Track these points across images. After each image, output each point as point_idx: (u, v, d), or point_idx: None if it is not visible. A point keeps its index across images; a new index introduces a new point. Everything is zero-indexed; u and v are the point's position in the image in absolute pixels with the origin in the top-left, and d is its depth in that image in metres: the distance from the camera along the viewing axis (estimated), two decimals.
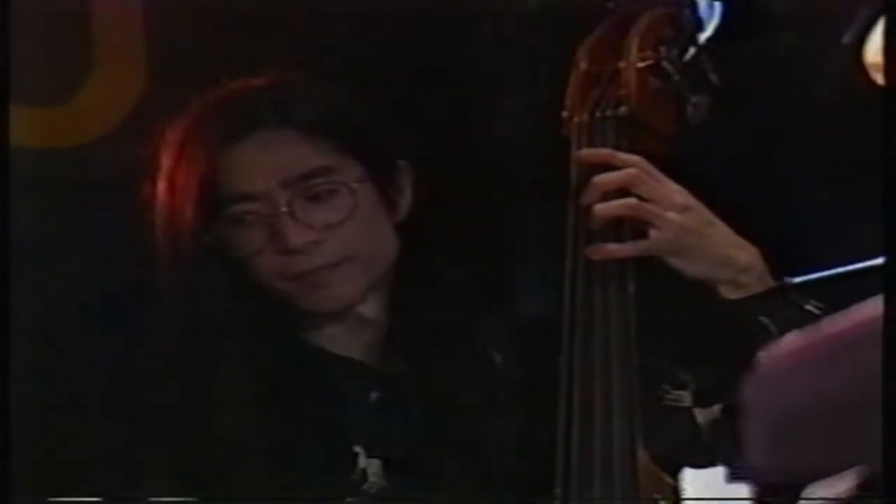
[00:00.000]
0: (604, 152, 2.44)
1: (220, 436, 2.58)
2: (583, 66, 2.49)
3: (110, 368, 2.84)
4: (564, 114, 2.49)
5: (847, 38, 2.71)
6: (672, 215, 2.39)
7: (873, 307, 1.72)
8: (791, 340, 1.84)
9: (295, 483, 2.58)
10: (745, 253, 2.41)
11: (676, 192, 2.39)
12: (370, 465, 2.60)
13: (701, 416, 2.45)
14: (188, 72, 2.95)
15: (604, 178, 2.39)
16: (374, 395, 2.60)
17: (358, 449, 2.59)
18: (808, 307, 2.38)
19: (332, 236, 2.51)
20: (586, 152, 2.44)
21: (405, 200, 2.58)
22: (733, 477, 2.34)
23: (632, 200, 2.39)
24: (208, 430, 2.58)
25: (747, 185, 2.79)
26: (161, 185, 2.52)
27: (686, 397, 2.48)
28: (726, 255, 2.43)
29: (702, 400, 2.47)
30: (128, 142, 2.87)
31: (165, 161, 2.52)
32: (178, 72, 3.00)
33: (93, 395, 2.85)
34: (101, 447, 2.72)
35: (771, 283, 2.43)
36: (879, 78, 2.66)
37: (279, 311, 2.56)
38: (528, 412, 2.61)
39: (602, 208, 2.38)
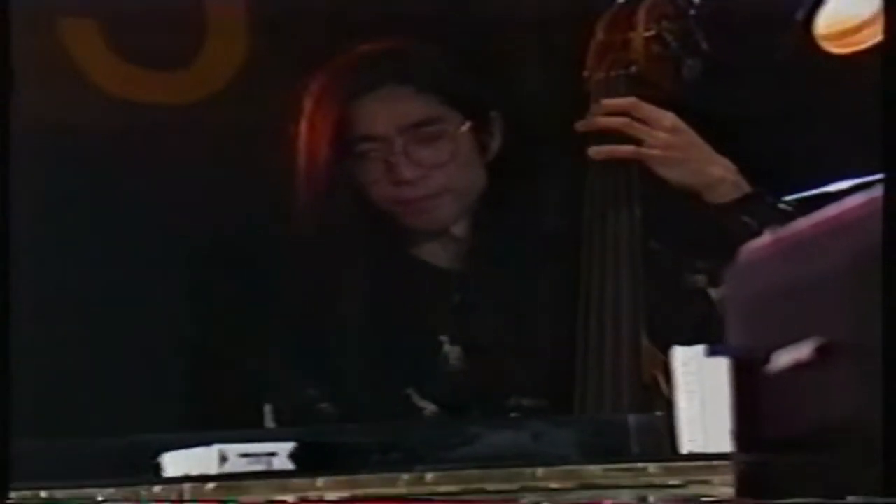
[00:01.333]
0: (609, 103, 2.63)
1: (343, 325, 2.77)
2: (600, 36, 2.63)
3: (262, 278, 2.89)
4: (585, 73, 2.64)
5: (799, 15, 2.72)
6: (660, 134, 2.55)
7: (835, 208, 1.61)
8: (766, 235, 1.80)
9: (394, 363, 2.75)
10: (719, 167, 2.54)
11: (666, 118, 2.55)
12: (451, 352, 2.76)
13: (714, 293, 2.55)
14: (285, 40, 2.96)
15: (609, 101, 2.58)
16: (456, 296, 2.77)
17: (443, 338, 2.74)
18: (782, 206, 2.49)
19: (436, 172, 2.67)
20: (607, 101, 2.60)
21: (495, 144, 2.73)
22: (711, 353, 2.23)
23: (626, 119, 2.56)
24: (333, 320, 2.77)
25: (739, 121, 2.83)
26: (303, 127, 2.69)
27: (702, 280, 2.59)
28: (701, 169, 2.56)
29: (714, 281, 2.54)
30: (239, 97, 2.92)
31: (307, 107, 2.69)
32: (277, 39, 2.98)
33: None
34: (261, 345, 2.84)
35: (747, 190, 2.53)
36: (831, 46, 2.76)
37: (389, 228, 2.73)
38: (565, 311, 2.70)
39: (604, 120, 2.55)
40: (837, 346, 1.58)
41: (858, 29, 2.65)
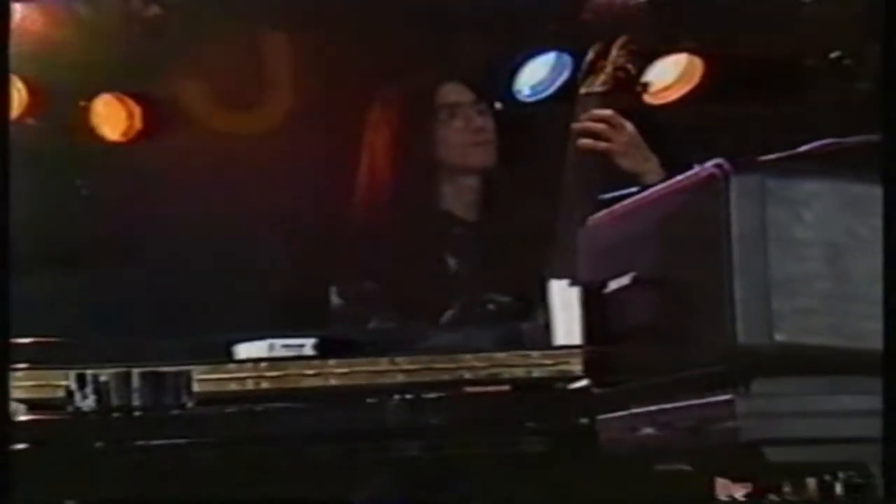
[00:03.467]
0: (597, 112, 2.64)
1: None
2: (589, 58, 2.65)
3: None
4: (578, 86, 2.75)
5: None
6: (622, 137, 2.58)
7: (647, 192, 1.66)
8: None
9: (409, 281, 2.66)
10: (652, 161, 2.55)
11: (626, 125, 2.59)
12: (459, 272, 2.71)
13: None
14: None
15: (596, 112, 2.56)
16: (458, 232, 2.78)
17: (451, 262, 2.72)
18: None
19: (488, 127, 2.75)
20: (595, 111, 2.61)
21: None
22: (571, 283, 2.11)
23: (605, 125, 2.55)
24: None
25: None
26: (382, 121, 2.72)
27: None
28: (642, 160, 2.56)
29: None
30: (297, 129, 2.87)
31: (381, 113, 2.73)
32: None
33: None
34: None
35: (662, 175, 2.44)
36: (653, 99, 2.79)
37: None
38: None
39: (591, 125, 2.55)
40: (645, 279, 1.57)
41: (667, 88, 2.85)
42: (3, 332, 1.14)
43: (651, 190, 1.67)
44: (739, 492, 1.62)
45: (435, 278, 2.69)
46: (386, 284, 2.65)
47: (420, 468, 2.01)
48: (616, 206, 1.73)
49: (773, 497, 1.54)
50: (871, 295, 1.42)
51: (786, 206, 1.41)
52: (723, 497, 1.64)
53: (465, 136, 2.78)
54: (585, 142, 2.55)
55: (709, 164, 1.44)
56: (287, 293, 2.61)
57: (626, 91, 2.61)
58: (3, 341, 1.14)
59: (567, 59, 2.78)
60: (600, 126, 2.55)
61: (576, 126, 2.58)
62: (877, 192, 1.44)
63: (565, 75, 2.79)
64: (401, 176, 2.72)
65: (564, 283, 2.19)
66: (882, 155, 1.40)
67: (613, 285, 1.62)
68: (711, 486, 1.67)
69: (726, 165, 1.42)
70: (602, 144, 2.55)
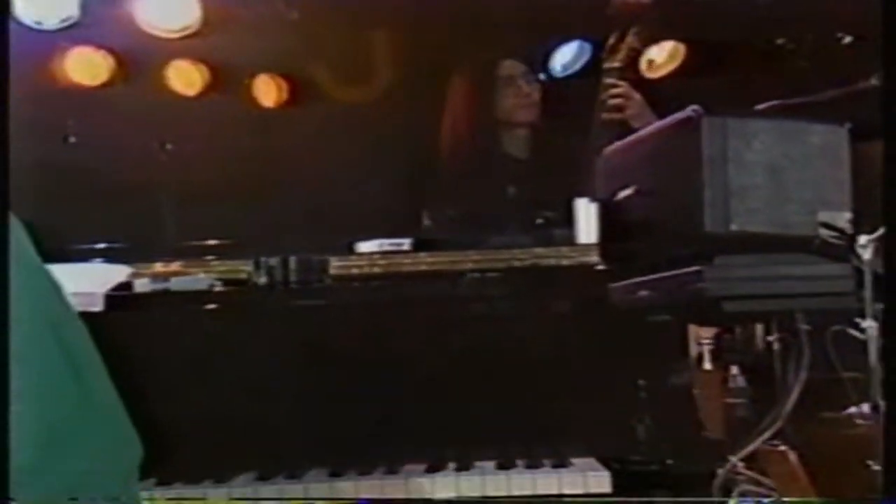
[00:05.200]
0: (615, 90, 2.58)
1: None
2: (610, 42, 2.56)
3: None
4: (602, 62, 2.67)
5: None
6: (635, 105, 2.54)
7: (646, 130, 1.65)
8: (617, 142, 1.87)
9: (479, 202, 2.64)
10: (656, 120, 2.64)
11: (635, 94, 2.55)
12: (515, 196, 2.73)
13: None
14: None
15: (616, 89, 2.50)
16: (514, 168, 2.76)
17: (510, 189, 2.71)
18: None
19: (534, 94, 2.70)
20: (615, 88, 2.55)
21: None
22: (591, 199, 2.12)
23: (622, 99, 2.50)
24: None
25: None
26: (462, 88, 2.71)
27: None
28: (650, 118, 2.43)
29: None
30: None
31: (463, 83, 2.71)
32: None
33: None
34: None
35: None
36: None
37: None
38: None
39: (613, 99, 2.49)
40: (642, 190, 1.64)
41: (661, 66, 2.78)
42: (3, 331, 0.88)
43: (648, 128, 1.70)
44: (705, 334, 1.68)
45: (497, 201, 2.71)
46: (463, 205, 2.65)
47: (482, 324, 2.05)
48: (623, 140, 1.76)
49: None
50: (799, 198, 1.47)
51: (740, 138, 1.46)
52: (694, 342, 1.73)
53: (516, 99, 2.79)
54: (610, 115, 2.48)
55: (687, 109, 1.48)
56: (390, 210, 2.62)
57: (636, 66, 2.60)
58: (3, 341, 0.88)
59: (587, 46, 2.73)
60: (618, 100, 2.52)
61: (602, 96, 2.52)
62: (803, 127, 1.50)
63: (585, 58, 2.74)
64: (472, 128, 2.73)
65: (586, 199, 2.20)
66: (883, 155, 1.37)
67: (620, 195, 1.67)
68: (685, 331, 1.75)
69: (700, 110, 1.47)
70: (618, 115, 2.51)
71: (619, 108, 2.52)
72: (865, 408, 1.52)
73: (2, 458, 0.87)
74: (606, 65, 2.52)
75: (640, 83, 2.56)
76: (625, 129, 2.41)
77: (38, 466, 0.87)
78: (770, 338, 1.59)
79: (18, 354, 0.86)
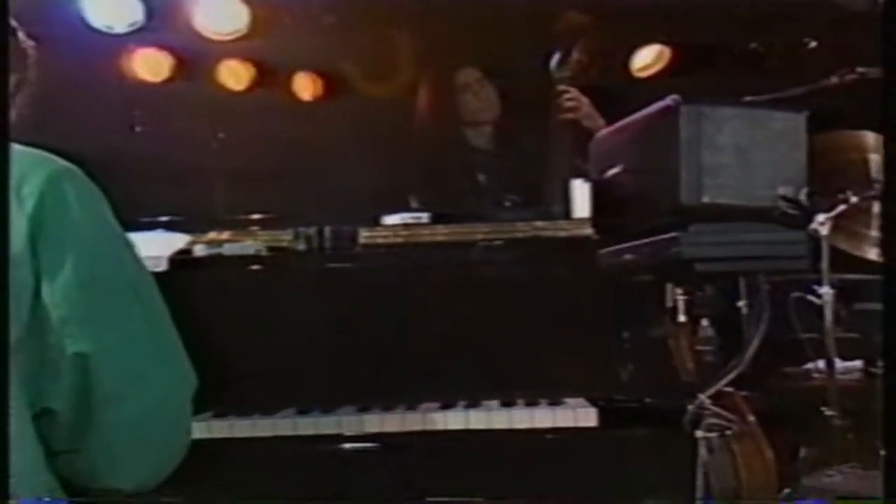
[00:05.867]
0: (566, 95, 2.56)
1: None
2: (560, 52, 2.56)
3: None
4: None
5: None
6: (584, 107, 2.55)
7: (634, 115, 1.63)
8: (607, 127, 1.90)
9: (452, 190, 2.67)
10: (602, 121, 2.49)
11: (583, 98, 2.56)
12: (483, 180, 2.71)
13: None
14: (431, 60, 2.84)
15: (568, 94, 2.53)
16: (482, 159, 2.77)
17: (480, 176, 2.75)
18: None
19: (492, 98, 2.66)
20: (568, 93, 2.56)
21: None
22: (583, 179, 2.17)
23: (574, 102, 2.53)
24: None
25: None
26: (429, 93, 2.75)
27: None
28: (596, 123, 2.47)
29: None
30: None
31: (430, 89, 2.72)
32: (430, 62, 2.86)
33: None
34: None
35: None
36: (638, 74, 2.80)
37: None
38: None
39: (565, 103, 2.55)
40: (628, 169, 1.66)
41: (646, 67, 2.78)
42: (2, 330, 0.85)
43: (634, 115, 1.65)
44: (680, 293, 1.70)
45: (469, 187, 2.69)
46: (440, 190, 2.63)
47: (490, 286, 2.09)
48: (613, 126, 1.76)
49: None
50: (762, 175, 1.49)
51: (713, 123, 1.49)
52: (669, 301, 1.74)
53: (476, 102, 2.72)
54: (564, 115, 2.50)
55: (667, 98, 1.52)
56: (412, 189, 2.61)
57: (584, 75, 2.54)
58: (3, 339, 0.85)
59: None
60: (571, 103, 2.50)
61: (557, 101, 2.52)
62: (767, 114, 1.52)
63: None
64: (445, 126, 2.71)
65: (580, 180, 2.25)
66: (883, 154, 1.34)
67: (609, 174, 1.69)
68: (663, 290, 1.76)
69: (679, 99, 1.50)
70: (571, 115, 2.50)
71: (571, 110, 2.51)
72: (821, 363, 1.59)
73: (2, 458, 0.85)
74: (558, 74, 2.51)
75: (587, 89, 2.52)
76: (577, 128, 2.43)
77: (122, 393, 0.93)
78: (739, 303, 1.63)
79: (106, 304, 0.92)
